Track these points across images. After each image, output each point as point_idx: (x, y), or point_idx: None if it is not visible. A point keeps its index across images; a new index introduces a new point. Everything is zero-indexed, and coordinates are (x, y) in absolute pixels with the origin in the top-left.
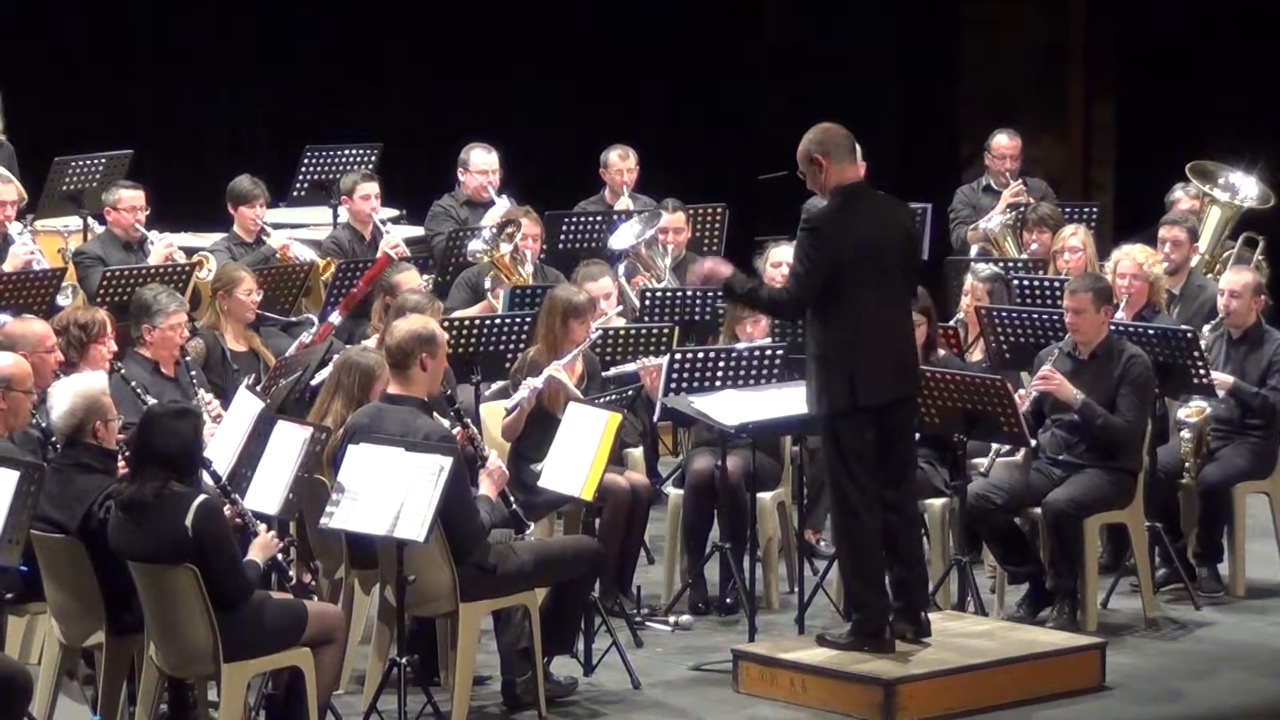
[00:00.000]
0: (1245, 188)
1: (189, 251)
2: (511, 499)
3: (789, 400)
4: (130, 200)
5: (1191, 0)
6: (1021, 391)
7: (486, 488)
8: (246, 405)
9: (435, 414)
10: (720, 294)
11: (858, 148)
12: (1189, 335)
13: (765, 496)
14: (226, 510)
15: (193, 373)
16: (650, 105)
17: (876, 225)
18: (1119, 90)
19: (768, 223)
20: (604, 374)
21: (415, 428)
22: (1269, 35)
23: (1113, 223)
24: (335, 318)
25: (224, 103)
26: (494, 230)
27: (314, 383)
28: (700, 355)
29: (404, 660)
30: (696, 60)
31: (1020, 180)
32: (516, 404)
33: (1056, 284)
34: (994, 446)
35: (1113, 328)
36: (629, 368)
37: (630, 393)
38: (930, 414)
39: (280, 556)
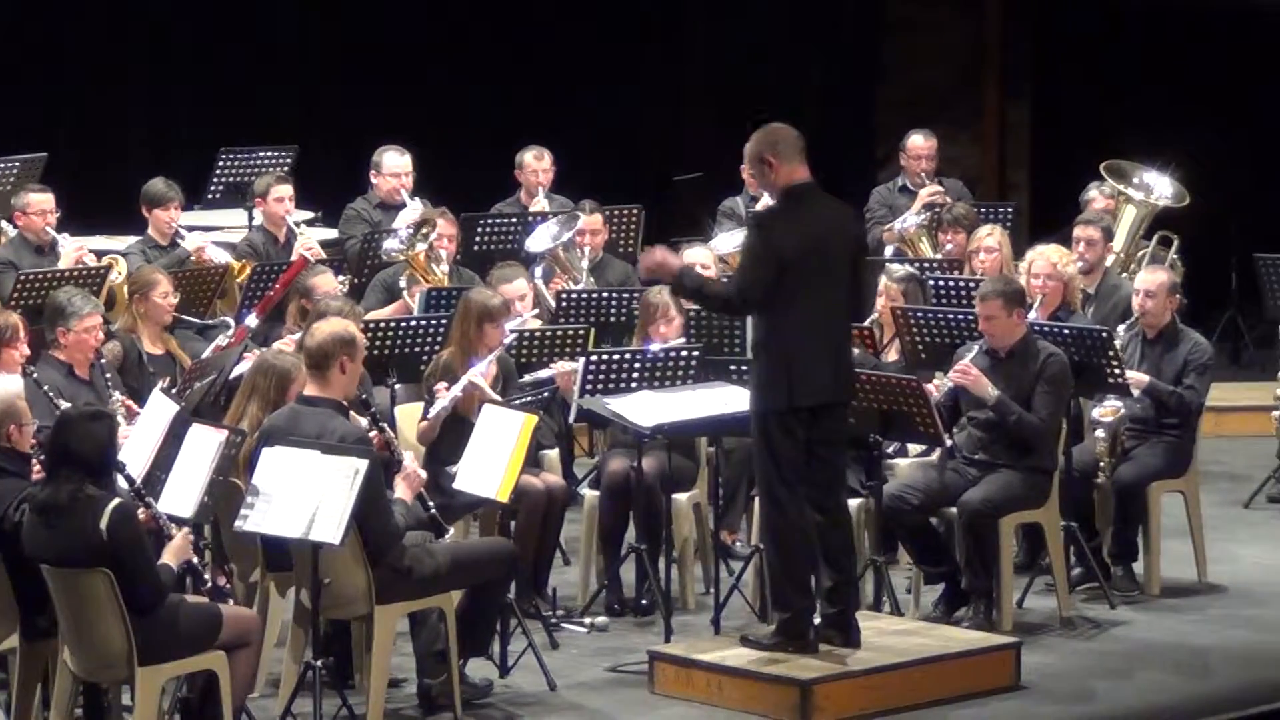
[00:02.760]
0: (1160, 187)
1: (100, 254)
2: (430, 503)
3: (704, 401)
4: (39, 204)
5: (1104, 1)
6: (936, 381)
7: (402, 491)
8: (161, 408)
9: (353, 415)
10: (672, 287)
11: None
12: (1104, 335)
13: (681, 498)
14: (141, 514)
15: (107, 375)
16: (567, 106)
17: (824, 227)
18: (1034, 91)
19: (683, 224)
20: (520, 380)
21: (331, 430)
22: (1181, 35)
23: (1028, 223)
24: (251, 320)
25: (140, 105)
26: (410, 230)
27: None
28: (615, 357)
29: (319, 663)
30: (614, 61)
31: (937, 181)
32: (435, 411)
33: (972, 284)
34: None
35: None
36: (544, 374)
37: (546, 394)
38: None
39: (195, 560)
